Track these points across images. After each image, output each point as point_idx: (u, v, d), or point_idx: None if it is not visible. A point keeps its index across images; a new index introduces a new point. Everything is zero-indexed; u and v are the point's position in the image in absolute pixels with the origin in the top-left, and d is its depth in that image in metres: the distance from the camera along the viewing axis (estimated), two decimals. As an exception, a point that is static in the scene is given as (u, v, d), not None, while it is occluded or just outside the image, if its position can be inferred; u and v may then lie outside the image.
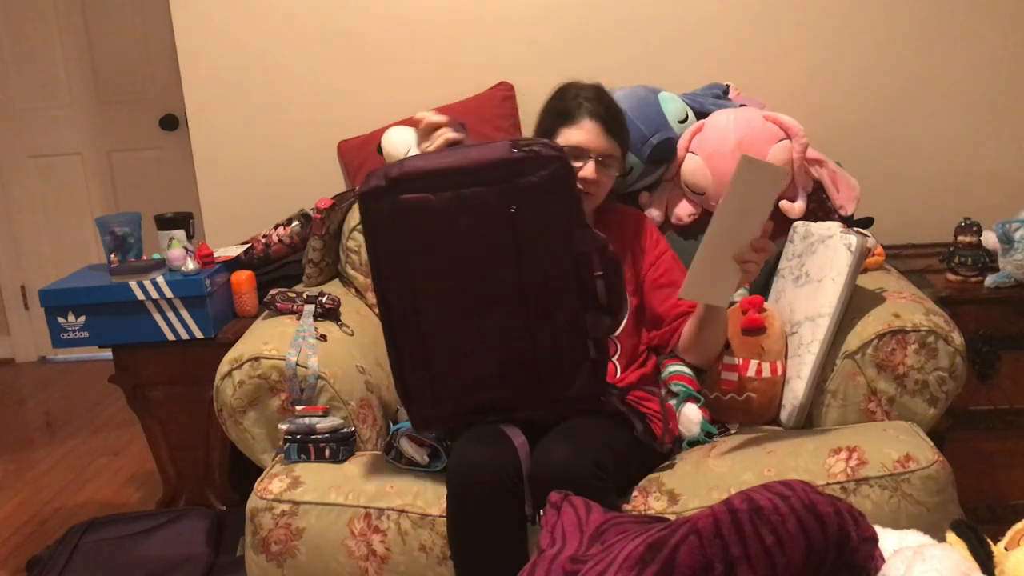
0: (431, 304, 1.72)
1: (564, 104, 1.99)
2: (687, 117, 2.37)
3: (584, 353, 1.73)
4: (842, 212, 2.27)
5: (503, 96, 2.74)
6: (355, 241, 2.41)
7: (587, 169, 1.93)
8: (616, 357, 1.97)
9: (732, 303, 2.04)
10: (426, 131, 1.92)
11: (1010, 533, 1.34)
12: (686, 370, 2.03)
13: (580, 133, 1.94)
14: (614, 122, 1.99)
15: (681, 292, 1.77)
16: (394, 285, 1.73)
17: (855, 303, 1.96)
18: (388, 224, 1.70)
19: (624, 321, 1.82)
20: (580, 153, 1.93)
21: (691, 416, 1.97)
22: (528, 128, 2.66)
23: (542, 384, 1.74)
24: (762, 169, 1.72)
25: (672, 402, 2.00)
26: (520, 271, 1.69)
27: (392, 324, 1.75)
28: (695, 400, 1.99)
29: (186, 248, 2.46)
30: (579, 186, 1.79)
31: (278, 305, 2.18)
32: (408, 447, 1.86)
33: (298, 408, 1.93)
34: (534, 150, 1.67)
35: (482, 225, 1.68)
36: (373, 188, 1.69)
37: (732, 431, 1.99)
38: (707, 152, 2.26)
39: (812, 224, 2.12)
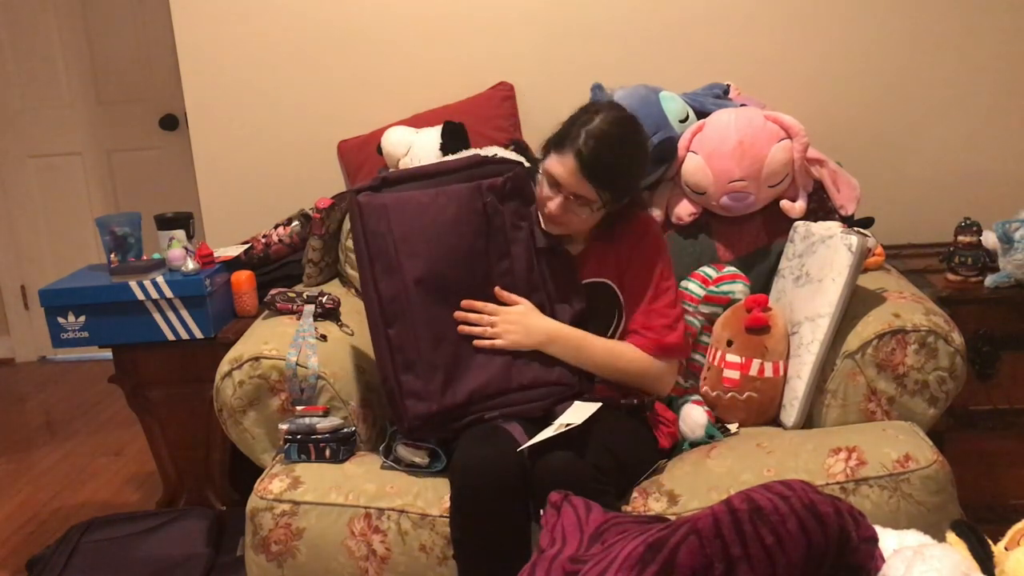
0: (420, 294, 1.84)
1: (570, 127, 1.86)
2: (688, 116, 2.37)
3: None
4: (842, 212, 2.26)
5: (503, 96, 2.74)
6: (355, 241, 2.41)
7: (552, 203, 1.86)
8: None
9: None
10: None
11: (1010, 533, 1.34)
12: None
13: (559, 166, 1.83)
14: (599, 167, 1.81)
15: None
16: (385, 277, 1.85)
17: (855, 303, 1.96)
18: (376, 218, 1.86)
19: (583, 310, 1.93)
20: (554, 184, 1.87)
21: (696, 418, 1.97)
22: (528, 128, 2.67)
23: (523, 369, 1.85)
24: None
25: (677, 404, 2.01)
26: (491, 263, 1.89)
27: (383, 316, 1.85)
28: (699, 402, 2.01)
29: (186, 248, 2.46)
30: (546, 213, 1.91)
31: (278, 305, 2.18)
32: (406, 453, 1.86)
33: (298, 408, 1.93)
34: (497, 156, 1.99)
35: (461, 217, 1.88)
36: (366, 186, 1.90)
37: (732, 430, 1.99)
38: (708, 151, 2.26)
39: (812, 224, 2.12)
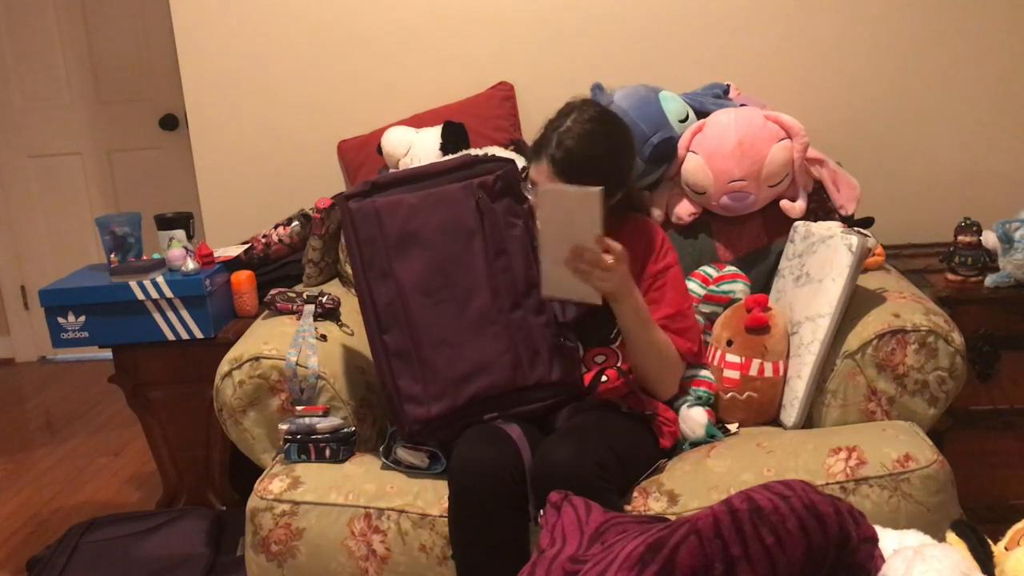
0: (416, 297, 1.83)
1: (545, 133, 1.93)
2: (688, 116, 2.37)
3: (557, 338, 1.87)
4: (842, 212, 2.27)
5: (503, 96, 2.74)
6: (355, 241, 2.41)
7: None
8: (619, 364, 1.96)
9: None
10: None
11: (1010, 533, 1.34)
12: (710, 375, 2.03)
13: (536, 172, 1.91)
14: (572, 167, 1.85)
15: (542, 291, 1.81)
16: (379, 282, 1.84)
17: (855, 303, 1.96)
18: (368, 224, 1.85)
19: (589, 311, 1.89)
20: None
21: (696, 418, 1.96)
22: (528, 128, 2.67)
23: (526, 370, 1.83)
24: (566, 197, 1.73)
25: (678, 403, 2.01)
26: (487, 261, 1.86)
27: (379, 321, 1.84)
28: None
29: (186, 248, 2.46)
30: None
31: (278, 305, 2.18)
32: (406, 455, 1.86)
33: (298, 408, 1.93)
34: (488, 155, 1.96)
35: (453, 217, 1.86)
36: (354, 192, 1.88)
37: (732, 430, 1.99)
38: (708, 151, 2.26)
39: (812, 224, 2.12)
